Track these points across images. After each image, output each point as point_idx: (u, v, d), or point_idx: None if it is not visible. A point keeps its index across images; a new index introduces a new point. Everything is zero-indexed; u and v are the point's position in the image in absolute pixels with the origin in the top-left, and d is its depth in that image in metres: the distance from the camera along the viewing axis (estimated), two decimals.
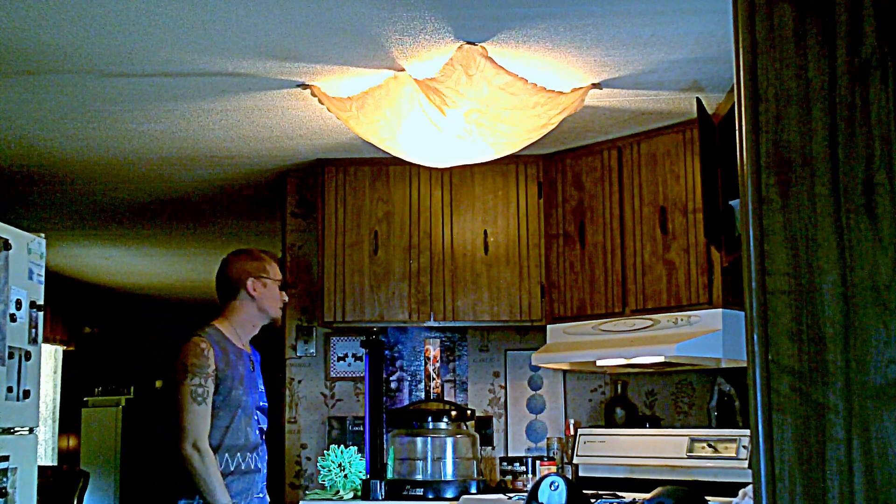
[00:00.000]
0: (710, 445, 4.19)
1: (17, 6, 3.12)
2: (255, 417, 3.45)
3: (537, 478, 4.23)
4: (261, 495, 3.46)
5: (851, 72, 1.36)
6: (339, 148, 4.72)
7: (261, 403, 3.51)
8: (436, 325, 4.82)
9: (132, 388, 10.00)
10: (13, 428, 3.81)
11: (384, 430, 4.77)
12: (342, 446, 4.78)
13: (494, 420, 5.05)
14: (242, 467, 3.37)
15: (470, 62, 3.46)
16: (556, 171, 4.72)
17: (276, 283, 3.56)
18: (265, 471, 3.51)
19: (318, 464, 4.77)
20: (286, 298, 3.60)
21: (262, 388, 3.55)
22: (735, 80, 1.44)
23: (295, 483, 5.02)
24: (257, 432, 3.45)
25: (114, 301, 10.49)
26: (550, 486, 3.78)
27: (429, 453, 4.60)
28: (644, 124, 4.38)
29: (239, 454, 3.36)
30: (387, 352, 5.05)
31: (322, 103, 3.89)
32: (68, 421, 9.49)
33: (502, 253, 4.76)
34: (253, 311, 3.50)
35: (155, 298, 10.48)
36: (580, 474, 4.67)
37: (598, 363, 4.51)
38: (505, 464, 4.77)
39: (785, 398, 1.33)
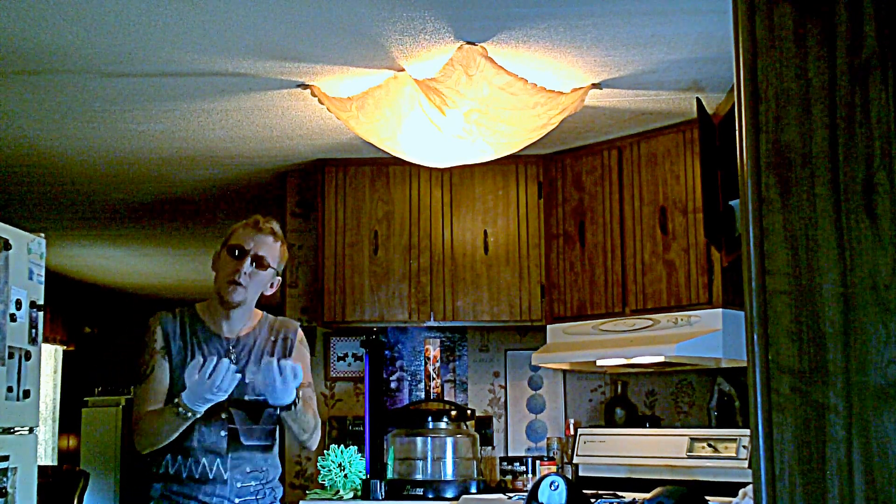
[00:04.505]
0: (710, 445, 4.19)
1: (17, 6, 3.12)
2: (224, 416, 2.89)
3: (537, 478, 4.23)
4: None
5: (851, 72, 1.36)
6: (339, 148, 4.72)
7: (244, 397, 2.91)
8: (436, 325, 4.81)
9: (132, 388, 9.99)
10: (13, 428, 3.81)
11: (384, 430, 4.77)
12: (342, 446, 4.78)
13: (494, 420, 5.05)
14: (196, 476, 2.88)
15: (470, 62, 3.46)
16: (556, 171, 4.72)
17: (226, 250, 2.96)
18: (239, 483, 2.91)
19: (318, 464, 4.77)
20: (242, 269, 2.90)
21: (258, 379, 2.89)
22: (735, 80, 1.44)
23: (295, 483, 5.02)
24: (224, 434, 2.89)
25: (114, 301, 10.50)
26: (550, 486, 3.78)
27: (429, 453, 4.60)
28: (644, 124, 4.37)
29: (191, 457, 2.88)
30: (387, 352, 5.05)
31: (322, 103, 3.89)
32: (68, 421, 9.50)
33: (502, 253, 4.76)
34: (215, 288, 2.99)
35: (155, 298, 10.47)
36: (580, 474, 4.67)
37: (598, 363, 4.51)
38: (505, 464, 4.77)
39: (785, 398, 1.33)
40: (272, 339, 3.04)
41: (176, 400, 2.77)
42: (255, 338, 3.02)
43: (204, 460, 2.88)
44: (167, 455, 2.90)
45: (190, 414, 2.77)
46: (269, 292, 3.03)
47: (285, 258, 3.05)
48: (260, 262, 2.93)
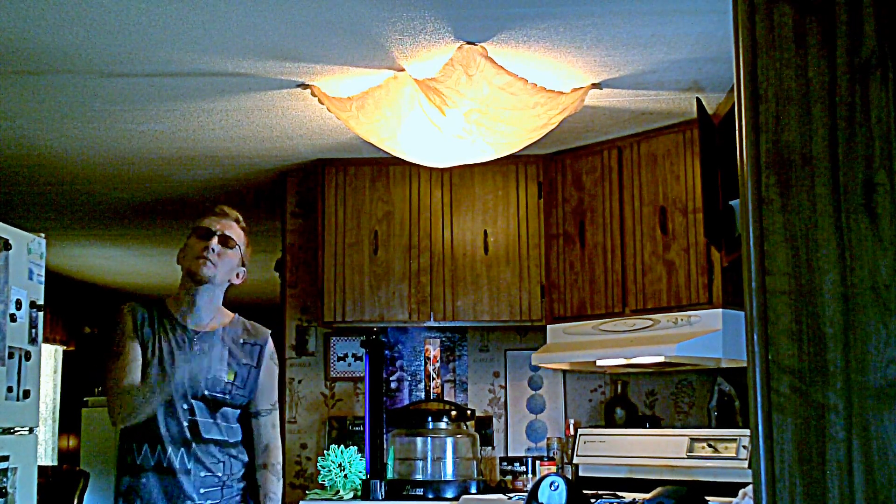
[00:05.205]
0: (710, 445, 4.19)
1: (17, 6, 3.12)
2: (185, 407, 2.97)
3: (537, 478, 4.23)
4: (201, 501, 2.98)
5: (851, 72, 1.36)
6: (339, 148, 4.72)
7: (203, 392, 2.98)
8: (436, 325, 4.81)
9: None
10: (13, 428, 3.81)
11: (384, 430, 4.77)
12: (342, 446, 4.78)
13: (494, 420, 5.05)
14: (164, 465, 2.96)
15: (470, 62, 3.46)
16: (556, 171, 4.72)
17: (194, 234, 3.07)
18: (202, 473, 2.99)
19: (318, 464, 4.77)
20: (211, 245, 3.00)
21: (222, 375, 3.02)
22: (735, 80, 1.44)
23: (295, 483, 5.02)
24: (186, 424, 2.96)
25: (114, 301, 10.48)
26: (550, 486, 3.78)
27: (429, 453, 4.60)
28: (644, 124, 4.37)
29: (159, 446, 2.95)
30: (387, 352, 5.05)
31: (322, 103, 3.89)
32: (68, 421, 9.49)
33: (502, 253, 4.76)
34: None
35: (154, 298, 10.48)
36: (580, 474, 4.67)
37: (598, 363, 4.51)
38: (505, 464, 4.77)
39: (785, 398, 1.33)
40: (241, 341, 3.12)
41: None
42: (223, 336, 3.10)
43: (170, 450, 2.96)
44: (144, 444, 2.98)
45: None
46: (236, 281, 3.12)
47: (250, 249, 3.15)
48: (226, 242, 3.05)
